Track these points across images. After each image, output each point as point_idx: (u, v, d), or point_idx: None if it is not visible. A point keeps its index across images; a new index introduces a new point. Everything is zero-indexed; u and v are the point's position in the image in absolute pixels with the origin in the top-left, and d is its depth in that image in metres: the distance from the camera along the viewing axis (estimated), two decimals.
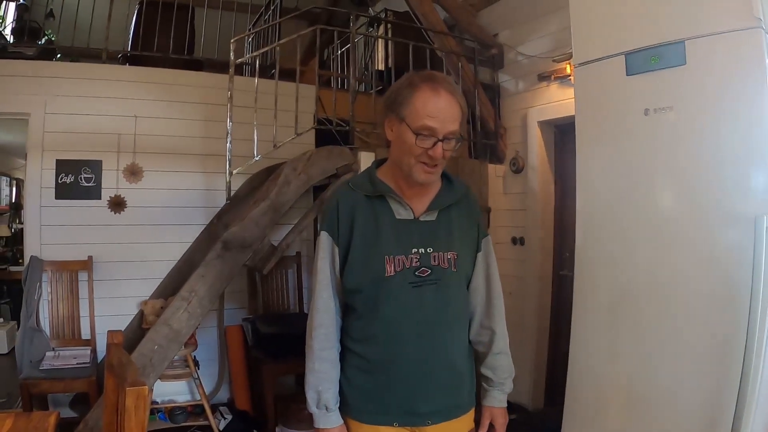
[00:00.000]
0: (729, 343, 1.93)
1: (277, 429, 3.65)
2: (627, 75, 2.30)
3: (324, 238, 1.65)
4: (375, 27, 5.52)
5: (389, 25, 5.32)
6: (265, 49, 4.10)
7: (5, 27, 5.45)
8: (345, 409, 1.66)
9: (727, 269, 1.96)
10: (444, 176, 1.71)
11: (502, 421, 1.77)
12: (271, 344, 3.76)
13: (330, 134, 3.98)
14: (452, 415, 1.68)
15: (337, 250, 1.63)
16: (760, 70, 1.95)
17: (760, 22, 1.94)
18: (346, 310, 1.69)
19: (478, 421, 1.78)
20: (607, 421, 2.33)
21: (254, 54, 3.93)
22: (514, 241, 4.56)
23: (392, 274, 1.58)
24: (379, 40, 5.44)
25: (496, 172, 4.70)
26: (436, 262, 1.61)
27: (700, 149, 2.09)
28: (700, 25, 2.08)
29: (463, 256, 1.66)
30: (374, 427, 1.63)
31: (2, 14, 5.55)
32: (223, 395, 4.33)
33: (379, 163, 1.74)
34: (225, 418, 3.86)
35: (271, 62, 4.04)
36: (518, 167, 4.51)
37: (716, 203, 2.04)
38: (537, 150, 4.36)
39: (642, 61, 2.24)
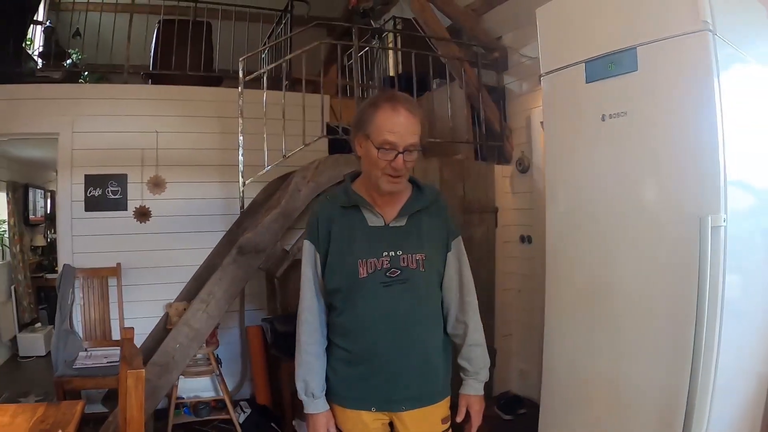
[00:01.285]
0: (680, 335, 2.03)
1: (294, 422, 3.86)
2: (586, 82, 2.38)
3: (307, 245, 1.86)
4: (379, 37, 5.66)
5: (398, 34, 5.48)
6: (275, 64, 4.28)
7: (34, 51, 5.75)
8: (330, 396, 1.84)
9: (677, 265, 2.05)
10: (415, 184, 1.89)
11: (477, 408, 1.91)
12: (288, 343, 3.94)
13: (345, 141, 4.16)
14: (426, 402, 1.83)
15: (318, 256, 1.84)
16: (707, 72, 2.00)
17: (707, 25, 1.99)
18: (330, 308, 1.87)
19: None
20: (579, 411, 2.45)
21: (266, 69, 4.12)
22: (522, 239, 4.66)
23: (365, 275, 1.76)
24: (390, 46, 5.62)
25: (503, 172, 4.80)
26: (405, 264, 1.78)
27: (650, 153, 2.16)
28: (649, 30, 2.14)
29: (431, 256, 1.82)
30: (355, 412, 1.81)
31: (30, 37, 5.84)
32: (246, 391, 4.57)
33: (354, 176, 1.92)
34: (245, 412, 4.09)
35: (285, 73, 4.24)
36: (524, 167, 4.62)
37: (666, 204, 2.13)
38: (541, 150, 4.45)
39: (599, 68, 2.31)
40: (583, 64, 2.39)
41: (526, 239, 4.63)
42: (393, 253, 1.78)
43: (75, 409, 1.91)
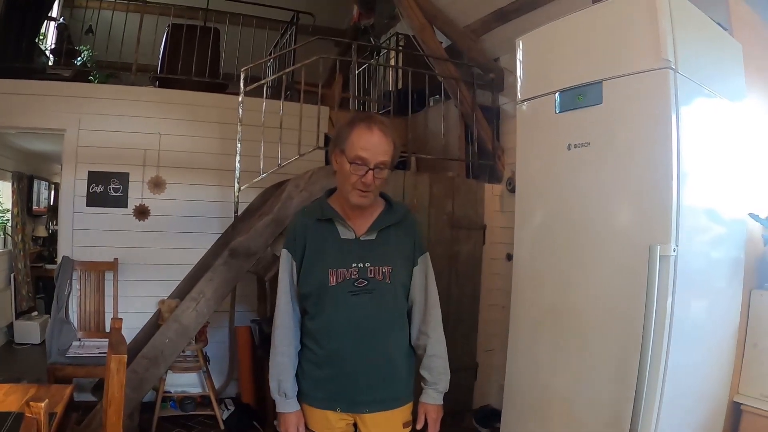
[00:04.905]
0: (627, 359, 2.11)
1: (275, 422, 3.96)
2: (557, 112, 2.47)
3: (284, 254, 2.00)
4: (378, 54, 5.76)
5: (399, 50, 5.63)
6: (276, 76, 4.43)
7: (47, 47, 5.90)
8: (299, 395, 1.97)
9: (627, 291, 2.14)
10: (387, 201, 2.03)
11: (435, 417, 2.01)
12: None
13: None
14: (389, 406, 1.95)
15: (294, 263, 1.97)
16: (665, 108, 2.07)
17: (669, 63, 2.07)
18: (303, 312, 2.00)
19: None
20: (537, 425, 2.56)
21: (267, 80, 4.27)
22: (509, 257, 4.75)
23: (334, 284, 1.89)
24: (391, 62, 5.77)
25: (493, 191, 4.90)
26: (372, 275, 1.91)
27: (608, 183, 2.26)
28: (615, 66, 2.23)
29: (398, 269, 1.95)
30: (322, 412, 1.94)
31: (43, 32, 5.98)
32: (232, 390, 4.71)
33: (330, 192, 2.06)
34: (229, 409, 4.22)
35: (288, 83, 4.36)
36: (514, 186, 4.73)
37: (620, 232, 2.22)
38: None
39: (569, 99, 2.40)
40: (556, 94, 2.49)
41: (512, 257, 4.73)
42: (361, 265, 1.91)
43: (64, 392, 2.04)
